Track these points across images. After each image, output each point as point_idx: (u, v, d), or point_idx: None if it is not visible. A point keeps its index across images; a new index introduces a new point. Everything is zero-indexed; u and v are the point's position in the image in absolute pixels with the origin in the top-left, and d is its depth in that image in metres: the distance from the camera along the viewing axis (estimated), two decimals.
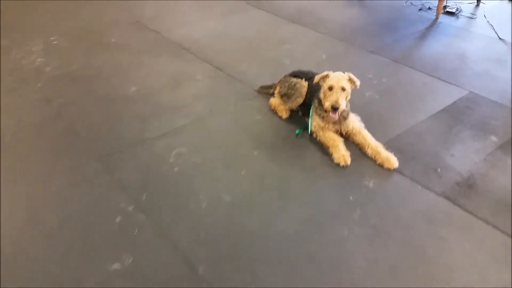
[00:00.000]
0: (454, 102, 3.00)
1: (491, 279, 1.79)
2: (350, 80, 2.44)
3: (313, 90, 2.62)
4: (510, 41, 4.03)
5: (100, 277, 1.77)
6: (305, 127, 2.65)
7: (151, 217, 2.06)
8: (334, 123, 2.52)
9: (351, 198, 2.18)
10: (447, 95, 3.10)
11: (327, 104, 2.40)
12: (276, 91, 2.89)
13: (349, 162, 2.37)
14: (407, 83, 3.30)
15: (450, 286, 1.76)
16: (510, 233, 1.99)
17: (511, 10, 4.85)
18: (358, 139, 2.52)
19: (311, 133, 2.60)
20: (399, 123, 2.78)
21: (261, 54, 3.73)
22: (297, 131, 2.66)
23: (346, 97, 2.44)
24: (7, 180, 2.29)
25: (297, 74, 2.80)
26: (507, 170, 2.38)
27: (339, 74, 2.43)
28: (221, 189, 2.24)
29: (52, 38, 3.94)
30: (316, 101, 2.56)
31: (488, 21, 4.49)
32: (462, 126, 2.74)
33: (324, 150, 2.51)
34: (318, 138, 2.56)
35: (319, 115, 2.54)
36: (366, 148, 2.46)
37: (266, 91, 3.06)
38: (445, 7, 4.77)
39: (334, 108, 2.36)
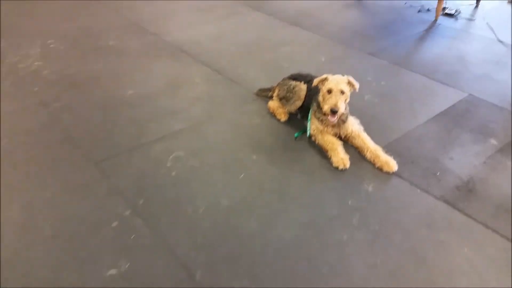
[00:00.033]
0: (454, 105, 2.99)
1: (491, 283, 1.78)
2: (349, 83, 2.42)
3: (312, 93, 2.61)
4: (510, 43, 4.01)
5: (97, 283, 1.75)
6: (304, 130, 2.64)
7: (148, 222, 2.04)
8: (333, 126, 2.50)
9: (350, 202, 2.16)
10: (446, 98, 3.09)
11: (326, 107, 2.38)
12: (275, 94, 2.87)
13: (348, 165, 2.36)
14: (406, 86, 3.28)
15: None
16: (510, 237, 1.97)
17: (511, 12, 4.84)
18: (357, 142, 2.51)
19: (310, 137, 2.58)
20: (398, 126, 2.77)
21: (260, 57, 3.72)
22: (296, 135, 2.64)
23: (345, 100, 2.43)
24: (2, 185, 2.27)
25: (296, 77, 2.79)
26: (507, 173, 2.37)
27: (338, 77, 2.42)
28: (219, 193, 2.22)
29: (49, 41, 3.92)
30: (315, 104, 2.55)
31: (487, 23, 4.49)
32: (462, 129, 2.73)
33: (323, 153, 2.49)
34: (317, 142, 2.54)
35: (318, 118, 2.52)
36: (365, 151, 2.45)
37: (265, 94, 3.05)
38: (444, 8, 4.77)
39: (333, 112, 2.35)
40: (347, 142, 2.55)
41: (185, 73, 3.43)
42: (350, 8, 4.99)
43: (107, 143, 2.59)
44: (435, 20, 4.60)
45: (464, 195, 2.21)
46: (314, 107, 2.56)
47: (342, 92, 2.38)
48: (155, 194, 2.21)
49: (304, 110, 2.70)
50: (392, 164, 2.34)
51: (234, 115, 2.89)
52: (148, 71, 3.46)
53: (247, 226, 2.03)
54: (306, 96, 2.68)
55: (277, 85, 2.89)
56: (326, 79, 2.44)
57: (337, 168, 2.36)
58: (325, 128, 2.52)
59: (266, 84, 3.11)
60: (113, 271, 1.80)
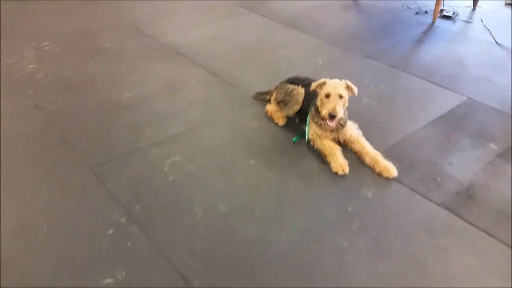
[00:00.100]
0: (452, 109, 2.97)
1: None
2: (348, 87, 2.40)
3: (310, 97, 2.58)
4: (510, 46, 4.00)
5: None
6: (302, 135, 2.61)
7: (145, 228, 2.00)
8: (332, 131, 2.48)
9: (349, 208, 2.13)
10: (445, 101, 3.07)
11: (324, 112, 2.36)
12: (273, 98, 2.84)
13: (347, 171, 2.34)
14: (405, 89, 3.26)
15: None
16: (510, 243, 1.95)
17: (511, 14, 4.83)
18: (356, 147, 2.48)
19: (308, 141, 2.56)
20: (397, 130, 2.74)
21: (257, 59, 3.69)
22: (294, 139, 2.61)
23: (344, 105, 2.40)
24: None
25: (293, 81, 2.76)
26: (508, 178, 2.35)
27: (336, 81, 2.39)
28: (216, 199, 2.19)
29: (44, 43, 3.88)
30: (313, 108, 2.52)
31: (485, 25, 4.48)
32: (461, 133, 2.71)
33: (321, 158, 2.46)
34: (315, 146, 2.51)
35: (316, 123, 2.50)
36: (364, 156, 2.42)
37: (263, 98, 3.02)
38: (441, 11, 4.75)
39: (332, 116, 2.32)
40: (346, 147, 2.53)
41: (182, 76, 3.39)
42: (347, 10, 4.97)
43: (103, 147, 2.56)
44: (433, 22, 4.58)
45: (464, 201, 2.19)
46: (312, 111, 2.53)
47: (341, 97, 2.36)
48: (152, 199, 2.18)
49: (302, 114, 2.67)
50: (391, 170, 2.32)
51: (231, 119, 2.86)
52: (144, 73, 3.43)
53: (245, 232, 2.00)
54: (304, 100, 2.65)
55: (275, 89, 2.86)
56: (324, 83, 2.41)
57: (336, 173, 2.34)
58: (324, 133, 2.49)
59: (263, 87, 3.08)
60: (109, 280, 1.76)
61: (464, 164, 2.45)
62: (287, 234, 1.99)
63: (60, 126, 2.75)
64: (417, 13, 4.87)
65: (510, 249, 1.93)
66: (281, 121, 2.77)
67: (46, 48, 3.81)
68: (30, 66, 3.49)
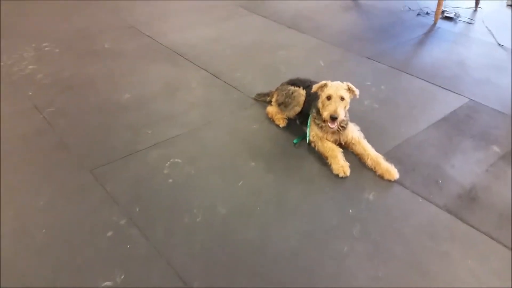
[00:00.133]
0: (454, 111, 2.95)
1: None
2: (349, 89, 2.39)
3: (311, 99, 2.57)
4: (511, 47, 3.98)
5: None
6: (303, 137, 2.60)
7: (144, 231, 1.99)
8: (333, 133, 2.46)
9: (350, 211, 2.12)
10: (447, 103, 3.05)
11: (325, 114, 2.34)
12: (273, 99, 2.83)
13: (348, 173, 2.32)
14: (406, 91, 3.25)
15: None
16: None
17: (511, 15, 4.81)
18: (358, 149, 2.47)
19: (309, 143, 2.54)
20: (398, 132, 2.73)
21: (258, 61, 3.68)
22: (295, 141, 2.60)
23: (345, 107, 2.39)
24: None
25: (294, 82, 2.75)
26: (510, 181, 2.32)
27: (337, 83, 2.38)
28: (216, 201, 2.17)
29: (44, 44, 3.86)
30: (314, 110, 2.51)
31: (486, 27, 4.46)
32: (463, 136, 2.69)
33: (322, 160, 2.45)
34: (316, 148, 2.50)
35: (317, 125, 2.48)
36: (366, 158, 2.40)
37: (263, 99, 3.00)
38: (443, 12, 4.73)
39: (333, 118, 2.31)
40: (347, 149, 2.51)
41: (182, 77, 3.38)
42: (347, 11, 4.95)
43: (102, 149, 2.54)
44: (434, 23, 4.56)
45: (466, 204, 2.17)
46: (313, 113, 2.52)
47: (342, 99, 2.34)
48: (152, 202, 2.16)
49: (303, 116, 2.66)
50: (393, 172, 2.30)
51: (231, 120, 2.84)
52: (144, 74, 3.41)
53: (245, 235, 1.99)
54: (305, 102, 2.64)
55: (276, 90, 2.84)
56: (325, 85, 2.40)
57: (337, 175, 2.32)
58: (325, 135, 2.48)
59: (264, 88, 3.07)
60: (108, 283, 1.75)
61: (466, 167, 2.43)
62: (287, 238, 1.97)
63: (60, 127, 2.73)
64: (418, 14, 4.85)
65: (511, 252, 1.91)
66: (282, 123, 2.75)
67: (46, 48, 3.80)
68: (30, 66, 3.47)
